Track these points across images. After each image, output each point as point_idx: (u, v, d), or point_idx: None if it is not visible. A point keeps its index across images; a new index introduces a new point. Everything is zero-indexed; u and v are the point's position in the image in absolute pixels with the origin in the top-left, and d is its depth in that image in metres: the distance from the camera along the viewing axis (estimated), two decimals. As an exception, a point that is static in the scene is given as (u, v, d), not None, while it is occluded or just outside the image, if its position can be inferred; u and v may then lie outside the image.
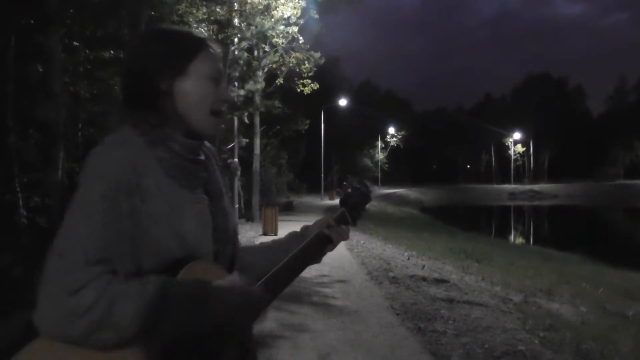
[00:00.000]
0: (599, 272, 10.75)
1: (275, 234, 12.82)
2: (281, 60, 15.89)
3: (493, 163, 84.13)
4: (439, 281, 6.90)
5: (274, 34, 14.78)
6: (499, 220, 37.15)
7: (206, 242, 0.99)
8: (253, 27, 13.40)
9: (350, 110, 47.37)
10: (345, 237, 1.19)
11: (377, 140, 60.83)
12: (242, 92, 13.91)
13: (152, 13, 9.63)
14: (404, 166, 70.07)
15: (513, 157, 79.18)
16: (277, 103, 16.80)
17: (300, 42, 15.77)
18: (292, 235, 1.23)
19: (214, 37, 12.29)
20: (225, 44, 12.69)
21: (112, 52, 10.37)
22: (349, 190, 1.24)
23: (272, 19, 14.01)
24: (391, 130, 63.71)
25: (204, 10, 11.96)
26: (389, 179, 61.97)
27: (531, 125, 76.90)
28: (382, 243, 11.87)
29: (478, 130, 78.04)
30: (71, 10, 9.08)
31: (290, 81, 17.14)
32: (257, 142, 17.22)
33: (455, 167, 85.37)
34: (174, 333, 0.84)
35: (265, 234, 12.98)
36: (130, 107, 1.01)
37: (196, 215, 0.98)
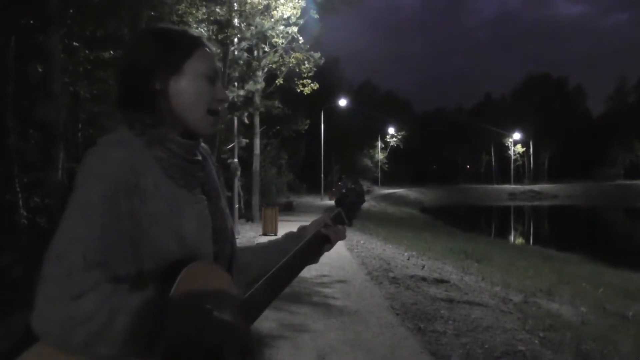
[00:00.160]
0: (599, 273, 10.76)
1: (275, 234, 12.81)
2: (281, 60, 15.88)
3: (493, 163, 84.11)
4: (439, 281, 6.90)
5: (273, 34, 14.77)
6: (499, 221, 37.14)
7: (206, 243, 0.99)
8: (253, 27, 13.39)
9: (350, 111, 47.34)
10: (342, 236, 1.20)
11: (377, 141, 60.80)
12: (242, 92, 13.90)
13: (152, 13, 9.63)
14: (404, 166, 70.03)
15: (513, 157, 79.17)
16: (277, 103, 16.78)
17: (300, 42, 15.76)
18: (289, 236, 1.23)
19: (214, 37, 12.29)
20: (225, 44, 12.69)
21: (112, 52, 10.37)
22: (344, 191, 1.25)
23: (272, 19, 14.00)
24: (391, 130, 63.69)
25: (204, 11, 11.95)
26: (389, 179, 61.98)
27: (531, 125, 76.89)
28: (382, 243, 11.87)
29: (478, 130, 78.03)
30: (71, 11, 9.07)
31: (290, 81, 17.13)
32: (257, 142, 17.23)
33: (455, 167, 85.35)
34: (173, 347, 0.82)
35: (265, 234, 12.98)
36: (126, 107, 1.00)
37: (196, 215, 0.98)
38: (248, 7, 12.81)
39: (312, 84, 16.68)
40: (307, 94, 17.01)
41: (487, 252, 12.19)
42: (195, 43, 1.02)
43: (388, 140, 64.11)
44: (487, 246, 14.37)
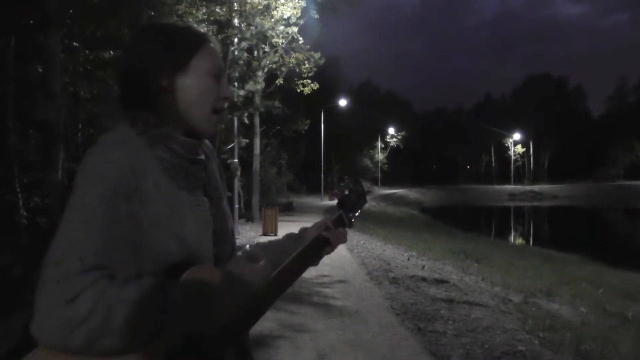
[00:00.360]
0: (599, 273, 10.76)
1: (275, 234, 12.82)
2: (281, 60, 15.88)
3: (493, 163, 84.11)
4: (439, 281, 6.90)
5: (274, 34, 14.77)
6: (498, 221, 37.14)
7: (206, 245, 0.98)
8: (253, 28, 13.39)
9: (350, 111, 47.34)
10: (343, 239, 1.19)
11: (377, 141, 60.81)
12: (242, 93, 13.90)
13: (152, 13, 9.62)
14: (404, 166, 70.07)
15: (513, 157, 79.18)
16: (277, 103, 16.78)
17: (300, 42, 15.76)
18: (290, 237, 1.23)
19: (214, 37, 12.28)
20: (225, 44, 12.69)
21: (112, 52, 10.37)
22: (346, 192, 1.25)
23: (272, 19, 14.00)
24: (391, 130, 63.70)
25: (204, 11, 11.95)
26: (389, 180, 61.98)
27: (531, 125, 76.92)
28: (382, 243, 11.88)
29: (478, 130, 78.06)
30: (71, 11, 9.08)
31: (290, 81, 17.13)
32: (257, 142, 17.22)
33: (455, 167, 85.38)
34: (177, 334, 0.82)
35: (265, 234, 12.98)
36: (128, 105, 0.98)
37: (196, 217, 0.96)
38: (248, 7, 12.81)
39: (312, 84, 16.68)
40: (307, 94, 17.01)
41: (487, 252, 12.19)
42: (201, 40, 1.00)
43: (388, 140, 64.12)
44: (487, 246, 14.37)
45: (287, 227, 15.43)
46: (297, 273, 1.08)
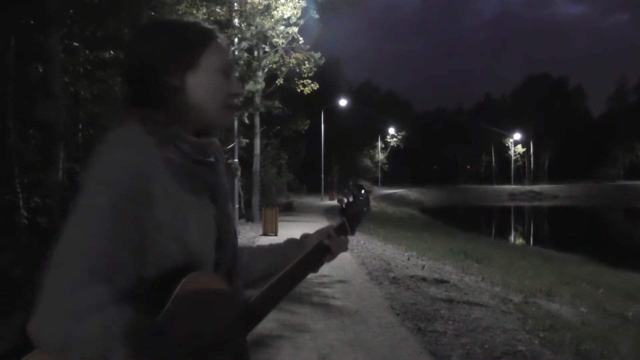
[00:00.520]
0: (599, 273, 10.76)
1: (276, 234, 12.82)
2: (281, 60, 15.89)
3: (493, 163, 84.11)
4: (439, 281, 6.91)
5: (274, 34, 14.78)
6: (499, 221, 37.16)
7: (209, 250, 0.96)
8: (253, 28, 13.40)
9: (351, 111, 47.38)
10: (344, 248, 1.19)
11: (377, 141, 60.82)
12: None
13: (152, 13, 9.63)
14: (404, 166, 70.07)
15: (513, 157, 79.19)
16: (277, 103, 16.79)
17: (301, 42, 15.77)
18: (291, 242, 1.22)
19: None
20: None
21: (112, 52, 10.37)
22: (350, 199, 1.25)
23: (272, 19, 14.01)
24: (391, 130, 63.72)
25: (204, 11, 11.95)
26: (389, 179, 61.96)
27: (531, 125, 76.94)
28: (382, 243, 11.88)
29: (478, 130, 78.07)
30: (71, 11, 9.08)
31: (291, 81, 17.14)
32: (257, 142, 17.22)
33: (455, 167, 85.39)
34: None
35: (265, 234, 12.98)
36: (137, 104, 0.95)
37: (201, 222, 0.94)
38: (248, 7, 12.83)
39: (312, 84, 16.69)
40: (307, 94, 17.01)
41: (487, 252, 12.19)
42: (209, 36, 0.98)
43: (388, 140, 64.14)
44: (487, 246, 14.37)
45: (287, 227, 15.41)
46: (296, 280, 1.08)
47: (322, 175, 34.53)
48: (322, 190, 34.93)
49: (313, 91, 16.99)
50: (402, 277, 7.17)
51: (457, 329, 4.55)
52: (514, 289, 7.12)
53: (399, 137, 63.82)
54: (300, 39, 15.67)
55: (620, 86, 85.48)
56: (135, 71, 0.95)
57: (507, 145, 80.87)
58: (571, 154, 77.90)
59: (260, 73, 15.52)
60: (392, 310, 5.26)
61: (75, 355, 0.74)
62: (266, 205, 15.35)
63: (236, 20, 12.84)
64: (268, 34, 14.54)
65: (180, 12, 11.01)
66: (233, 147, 14.65)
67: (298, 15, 14.67)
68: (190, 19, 1.03)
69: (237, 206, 15.25)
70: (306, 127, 24.25)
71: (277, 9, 13.89)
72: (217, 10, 12.30)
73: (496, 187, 74.80)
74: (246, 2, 12.73)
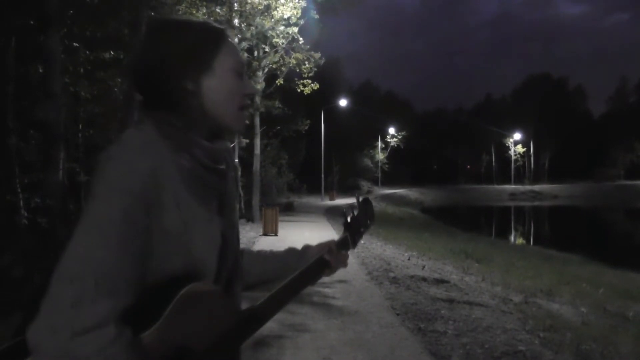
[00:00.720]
0: (600, 273, 10.75)
1: (276, 234, 12.82)
2: (281, 60, 15.90)
3: (493, 163, 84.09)
4: (439, 281, 6.90)
5: (274, 34, 14.79)
6: (499, 221, 37.15)
7: (211, 261, 0.94)
8: (253, 28, 13.41)
9: (351, 111, 47.39)
10: (343, 264, 1.20)
11: (378, 141, 60.82)
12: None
13: (152, 13, 9.63)
14: (404, 166, 70.03)
15: (513, 157, 79.16)
16: (277, 103, 16.81)
17: (301, 42, 15.77)
18: (292, 252, 1.22)
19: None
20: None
21: (112, 52, 10.38)
22: (355, 213, 1.26)
23: (272, 20, 14.02)
24: (391, 130, 63.71)
25: (204, 11, 11.97)
26: (389, 180, 61.96)
27: (531, 125, 76.93)
28: (383, 243, 11.87)
29: (478, 130, 78.08)
30: (71, 11, 9.09)
31: (291, 81, 17.15)
32: (257, 142, 17.22)
33: (455, 167, 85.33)
34: None
35: (265, 234, 12.98)
36: (151, 108, 0.93)
37: (206, 233, 0.93)
38: (248, 7, 12.84)
39: (312, 84, 16.69)
40: (307, 94, 17.02)
41: (488, 252, 12.18)
42: (222, 37, 0.95)
43: (388, 140, 64.12)
44: (487, 246, 14.37)
45: (288, 227, 15.35)
46: (295, 292, 1.09)
47: (322, 175, 34.52)
48: (322, 190, 34.93)
49: (313, 91, 16.99)
50: (402, 277, 7.17)
51: (458, 329, 4.55)
52: (514, 288, 7.11)
53: (399, 137, 63.80)
54: (300, 39, 15.67)
55: (620, 86, 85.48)
56: (147, 75, 0.93)
57: (507, 145, 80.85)
58: (571, 154, 77.85)
59: (260, 73, 15.52)
60: (392, 310, 5.26)
61: None
62: (266, 205, 15.35)
63: (236, 21, 12.85)
64: (268, 34, 14.56)
65: (180, 12, 11.02)
66: (233, 147, 14.65)
67: (298, 15, 14.67)
68: (197, 18, 1.01)
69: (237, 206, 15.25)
70: (306, 127, 24.26)
71: (277, 9, 13.89)
72: (217, 10, 12.32)
73: (496, 187, 74.79)
74: (246, 3, 12.74)
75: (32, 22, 8.59)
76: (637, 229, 29.71)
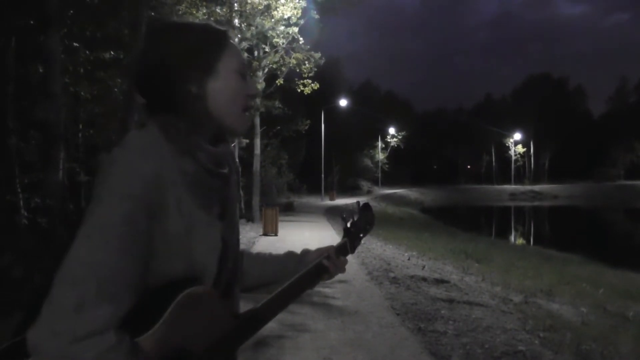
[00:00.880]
0: (600, 273, 10.74)
1: (276, 235, 12.82)
2: (281, 60, 15.89)
3: (493, 163, 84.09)
4: (439, 281, 6.90)
5: (274, 34, 14.79)
6: (499, 221, 37.14)
7: (211, 265, 0.94)
8: (253, 28, 13.41)
9: (351, 111, 47.37)
10: (342, 270, 1.21)
11: (378, 141, 60.81)
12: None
13: (152, 14, 9.64)
14: (404, 166, 70.03)
15: (513, 157, 79.15)
16: (277, 103, 16.81)
17: (301, 42, 15.77)
18: (291, 256, 1.22)
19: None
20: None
21: (112, 52, 10.38)
22: (355, 219, 1.27)
23: (272, 20, 14.02)
24: (391, 130, 63.70)
25: (204, 11, 11.97)
26: (389, 179, 61.96)
27: (531, 125, 76.91)
28: (383, 243, 11.87)
29: (478, 130, 78.07)
30: (71, 11, 9.09)
31: (291, 81, 17.15)
32: (258, 142, 17.23)
33: (455, 167, 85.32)
34: None
35: (265, 234, 12.98)
36: (155, 111, 0.92)
37: (207, 238, 0.93)
38: (248, 7, 12.84)
39: (312, 84, 16.69)
40: (307, 94, 17.01)
41: (488, 252, 12.18)
42: (224, 38, 0.95)
43: (388, 140, 64.11)
44: (487, 246, 14.35)
45: (288, 227, 15.34)
46: (293, 297, 1.10)
47: (323, 176, 34.51)
48: (323, 190, 34.92)
49: (313, 91, 16.99)
50: (402, 277, 7.16)
51: (458, 329, 4.55)
52: (514, 288, 7.11)
53: (399, 137, 63.79)
54: (300, 39, 15.67)
55: (620, 86, 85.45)
56: (151, 79, 0.92)
57: (507, 145, 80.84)
58: (571, 154, 77.83)
59: (260, 73, 15.52)
60: (392, 310, 5.26)
61: None
62: (266, 206, 15.35)
63: (236, 21, 12.85)
64: (268, 34, 14.55)
65: (180, 12, 11.02)
66: (233, 147, 14.66)
67: (298, 15, 14.67)
68: (197, 20, 1.02)
69: (237, 206, 15.25)
70: (306, 127, 24.26)
71: (277, 9, 13.89)
72: (217, 10, 12.32)
73: (496, 187, 74.78)
74: (246, 3, 12.74)
75: (32, 22, 8.59)
76: (637, 229, 29.70)
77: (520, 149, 79.22)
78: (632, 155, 73.35)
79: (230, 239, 1.01)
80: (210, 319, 0.90)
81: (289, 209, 22.78)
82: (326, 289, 6.27)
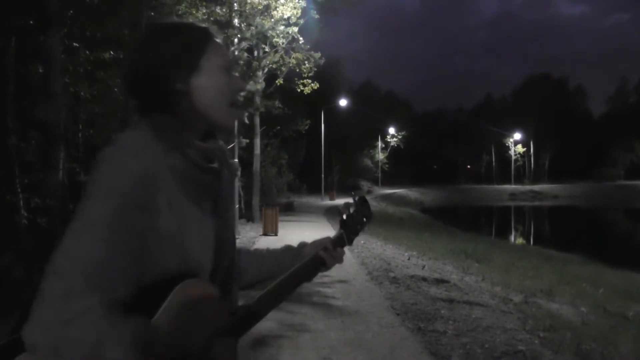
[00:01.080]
0: (600, 273, 10.74)
1: (276, 234, 12.83)
2: (281, 60, 15.89)
3: (493, 163, 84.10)
4: (439, 281, 6.90)
5: (274, 34, 14.79)
6: (499, 221, 37.14)
7: (206, 260, 0.96)
8: (253, 28, 13.39)
9: (351, 111, 47.38)
10: (339, 261, 1.20)
11: (378, 141, 60.82)
12: (242, 93, 13.89)
13: (152, 14, 9.63)
14: (404, 166, 70.03)
15: (513, 157, 79.16)
16: (277, 103, 16.80)
17: (301, 42, 15.77)
18: (288, 250, 1.23)
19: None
20: (225, 44, 12.68)
21: (112, 52, 10.37)
22: (351, 211, 1.26)
23: (272, 20, 14.01)
24: (391, 130, 63.71)
25: (204, 11, 11.97)
26: (389, 179, 61.96)
27: (531, 125, 76.93)
28: (383, 243, 11.87)
29: (478, 130, 78.08)
30: (71, 11, 9.08)
31: (291, 81, 17.14)
32: (258, 142, 17.22)
33: (455, 167, 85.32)
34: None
35: (265, 234, 12.99)
36: (145, 111, 0.95)
37: (200, 233, 0.94)
38: (248, 7, 12.83)
39: (312, 84, 16.68)
40: (307, 94, 17.02)
41: (488, 252, 12.18)
42: (206, 36, 0.98)
43: (388, 140, 64.11)
44: (487, 246, 14.35)
45: (288, 227, 15.34)
46: (290, 290, 1.10)
47: (323, 175, 34.52)
48: (323, 190, 34.93)
49: (313, 91, 16.99)
50: (402, 277, 7.17)
51: (457, 328, 4.55)
52: (514, 288, 7.11)
53: (399, 137, 63.79)
54: (300, 39, 15.67)
55: (620, 86, 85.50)
56: (139, 78, 0.95)
57: (507, 145, 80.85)
58: (571, 154, 77.84)
59: (260, 73, 15.51)
60: (392, 310, 5.26)
61: (68, 358, 0.75)
62: (266, 205, 15.35)
63: (236, 20, 12.84)
64: (268, 34, 14.55)
65: (180, 12, 11.02)
66: (233, 147, 14.65)
67: (298, 15, 14.67)
68: (186, 20, 1.04)
69: (237, 206, 15.26)
70: (306, 127, 24.26)
71: (277, 9, 13.89)
72: (217, 10, 12.32)
73: (496, 187, 74.78)
74: (246, 3, 12.73)
75: (32, 22, 8.58)
76: (637, 229, 29.70)
77: (520, 148, 79.24)
78: (632, 155, 73.36)
79: (225, 234, 1.02)
80: (207, 313, 0.91)
81: (289, 209, 22.78)
82: (326, 289, 6.28)
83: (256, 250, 1.24)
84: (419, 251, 10.84)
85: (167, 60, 0.93)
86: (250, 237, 12.67)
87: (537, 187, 70.32)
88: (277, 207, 14.28)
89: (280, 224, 13.44)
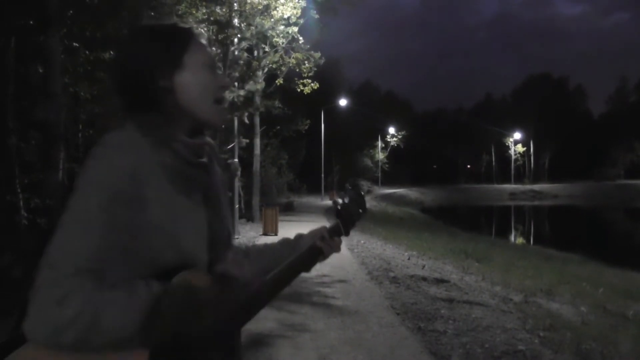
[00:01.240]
0: (599, 272, 10.74)
1: (276, 234, 12.83)
2: (281, 60, 15.88)
3: (493, 163, 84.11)
4: (439, 281, 6.90)
5: (274, 34, 14.78)
6: (499, 221, 37.14)
7: (201, 252, 0.98)
8: (253, 28, 13.38)
9: (351, 111, 47.37)
10: (336, 250, 1.21)
11: (378, 141, 60.81)
12: (242, 93, 13.87)
13: (152, 13, 9.63)
14: (404, 166, 70.02)
15: (513, 157, 79.17)
16: (277, 103, 16.78)
17: (301, 42, 15.76)
18: (285, 243, 1.24)
19: (214, 37, 12.30)
20: (225, 44, 12.69)
21: (112, 52, 10.36)
22: (346, 200, 1.26)
23: (272, 19, 14.00)
24: (391, 130, 63.70)
25: (204, 11, 11.96)
26: (389, 179, 61.95)
27: (531, 125, 76.96)
28: (383, 243, 11.88)
29: (478, 130, 78.11)
30: (71, 11, 9.07)
31: (291, 81, 17.14)
32: (257, 142, 17.22)
33: (455, 167, 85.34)
34: (164, 335, 0.85)
35: (265, 234, 12.99)
36: (132, 110, 0.98)
37: (193, 224, 0.97)
38: (248, 7, 12.82)
39: (312, 84, 16.68)
40: (307, 94, 17.01)
41: (488, 252, 12.18)
42: (189, 34, 1.01)
43: (388, 140, 64.10)
44: (487, 246, 14.35)
45: (288, 227, 15.37)
46: (288, 280, 1.10)
47: (322, 175, 34.51)
48: (322, 190, 34.91)
49: (313, 91, 16.98)
50: (402, 276, 7.17)
51: (457, 328, 4.55)
52: (514, 288, 7.11)
53: (399, 137, 63.78)
54: (300, 38, 15.67)
55: (620, 86, 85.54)
56: (124, 79, 0.98)
57: (507, 144, 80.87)
58: (571, 153, 77.86)
59: (260, 73, 15.50)
60: (392, 310, 5.26)
61: (69, 338, 0.78)
62: (266, 205, 15.35)
63: (236, 20, 12.83)
64: (268, 34, 14.54)
65: (180, 12, 11.02)
66: (233, 147, 14.65)
67: (298, 15, 14.66)
68: (169, 21, 1.06)
69: (237, 206, 15.26)
70: (306, 127, 24.25)
71: (277, 9, 13.88)
72: (217, 10, 12.31)
73: (496, 186, 74.78)
74: (246, 2, 12.72)
75: (32, 22, 8.58)
76: (637, 228, 29.70)
77: (520, 148, 79.25)
78: (632, 155, 73.38)
79: (218, 225, 1.03)
80: (204, 304, 0.92)
81: (288, 209, 22.79)
82: (326, 288, 6.28)
83: (254, 245, 1.25)
84: (419, 251, 10.84)
85: (151, 57, 0.96)
86: (250, 236, 12.67)
87: (537, 187, 70.32)
88: (277, 207, 14.29)
89: (280, 224, 13.45)
